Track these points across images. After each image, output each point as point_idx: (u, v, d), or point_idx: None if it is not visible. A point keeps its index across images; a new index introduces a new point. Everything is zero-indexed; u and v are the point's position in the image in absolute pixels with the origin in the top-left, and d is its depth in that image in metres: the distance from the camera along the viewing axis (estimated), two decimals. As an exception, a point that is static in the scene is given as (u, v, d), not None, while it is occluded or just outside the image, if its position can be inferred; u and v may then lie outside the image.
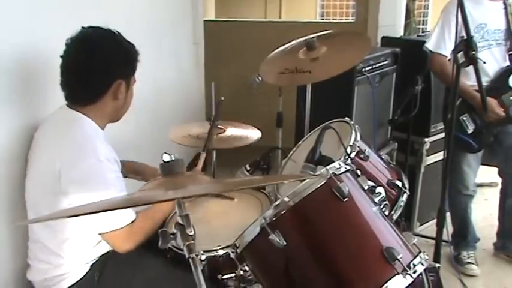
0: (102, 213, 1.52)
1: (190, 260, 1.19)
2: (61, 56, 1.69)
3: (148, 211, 1.74)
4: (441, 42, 2.63)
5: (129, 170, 2.03)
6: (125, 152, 2.28)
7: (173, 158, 1.30)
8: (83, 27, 1.70)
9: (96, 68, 1.68)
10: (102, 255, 1.72)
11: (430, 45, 2.68)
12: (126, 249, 1.66)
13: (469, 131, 2.64)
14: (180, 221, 1.24)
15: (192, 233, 1.22)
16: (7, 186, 1.72)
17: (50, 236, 1.67)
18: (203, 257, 1.61)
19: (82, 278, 1.69)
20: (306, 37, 2.18)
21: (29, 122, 1.77)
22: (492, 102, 2.52)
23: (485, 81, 2.51)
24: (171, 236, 1.25)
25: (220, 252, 1.65)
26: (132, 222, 1.65)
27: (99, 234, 1.65)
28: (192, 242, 1.21)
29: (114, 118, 1.81)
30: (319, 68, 2.14)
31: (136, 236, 1.66)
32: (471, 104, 2.55)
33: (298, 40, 2.22)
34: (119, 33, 1.75)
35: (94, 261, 1.71)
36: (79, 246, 1.67)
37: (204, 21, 4.04)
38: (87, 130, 1.67)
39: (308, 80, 2.28)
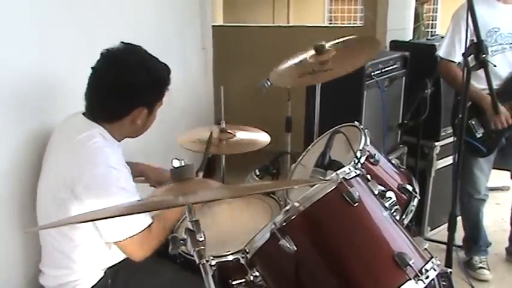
0: (116, 221, 1.54)
1: (201, 266, 1.19)
2: (92, 68, 1.68)
3: (159, 218, 1.73)
4: (451, 49, 2.61)
5: (135, 171, 2.00)
6: (134, 157, 2.29)
7: (183, 164, 1.30)
8: (122, 43, 1.69)
9: (118, 94, 1.66)
10: (117, 263, 1.71)
11: (440, 52, 2.67)
12: (143, 256, 1.63)
13: (478, 135, 2.62)
14: (190, 227, 1.24)
15: (202, 239, 1.22)
16: (19, 193, 1.73)
17: (62, 243, 1.67)
18: (213, 263, 1.60)
19: (96, 284, 1.69)
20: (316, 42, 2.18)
21: (39, 129, 1.78)
22: (502, 108, 2.49)
23: (497, 85, 2.50)
24: (181, 241, 1.24)
25: (230, 257, 1.65)
26: (149, 227, 1.62)
27: (115, 243, 1.63)
28: (202, 247, 1.21)
29: (131, 136, 1.81)
30: (328, 69, 2.13)
31: (152, 241, 1.63)
32: (480, 106, 2.52)
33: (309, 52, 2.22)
34: (152, 56, 1.73)
35: (108, 267, 1.71)
36: (92, 252, 1.67)
37: (212, 26, 4.05)
38: (98, 139, 1.65)
39: (318, 80, 2.27)
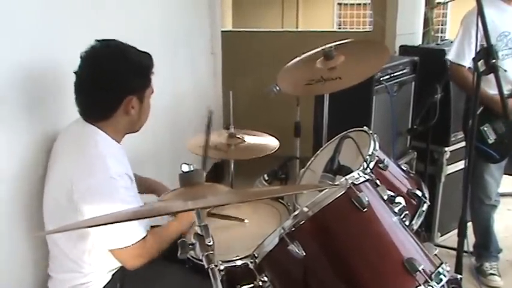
0: (112, 229, 1.55)
1: (210, 271, 1.19)
2: (74, 72, 1.69)
3: (160, 229, 1.74)
4: (460, 53, 2.61)
5: (141, 186, 1.99)
6: (144, 162, 2.30)
7: (192, 169, 1.30)
8: (96, 40, 1.70)
9: (103, 87, 1.67)
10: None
11: (450, 56, 2.66)
12: (134, 267, 1.65)
13: (490, 141, 2.60)
14: (199, 231, 1.24)
15: (211, 243, 1.22)
16: (25, 198, 1.74)
17: (71, 247, 1.68)
18: (221, 267, 1.60)
19: (104, 287, 1.70)
20: (324, 46, 2.18)
21: (46, 133, 1.79)
22: None
23: (508, 89, 2.48)
24: (190, 246, 1.25)
25: (239, 262, 1.65)
26: (142, 239, 1.64)
27: (109, 250, 1.64)
28: (211, 252, 1.21)
29: (131, 130, 1.80)
30: (337, 77, 2.13)
31: (145, 254, 1.65)
32: (493, 109, 2.49)
33: (316, 50, 2.21)
34: (129, 46, 1.73)
35: (115, 270, 1.72)
36: (101, 256, 1.68)
37: (222, 31, 4.07)
38: (100, 147, 1.66)
39: (326, 89, 2.27)
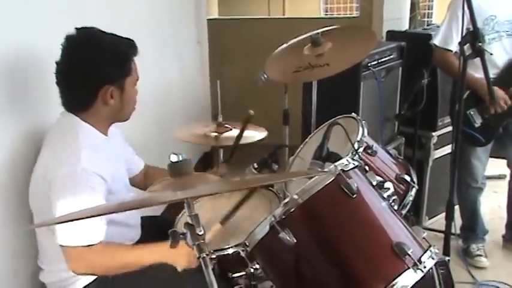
0: (64, 225, 1.50)
1: (201, 260, 1.19)
2: (55, 62, 1.66)
3: (116, 247, 1.64)
4: (448, 38, 2.61)
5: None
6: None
7: (181, 159, 1.30)
8: (75, 28, 1.64)
9: (78, 77, 1.62)
10: None
11: (436, 40, 2.66)
12: (72, 269, 1.58)
13: (476, 125, 2.62)
14: (190, 221, 1.24)
15: (201, 233, 1.22)
16: (14, 191, 1.73)
17: (54, 241, 1.66)
18: (213, 256, 1.61)
19: (96, 279, 1.69)
20: (311, 33, 2.17)
21: (33, 126, 1.78)
22: (499, 91, 2.50)
23: (494, 73, 2.49)
24: (181, 236, 1.25)
25: (230, 251, 1.65)
26: (88, 246, 1.55)
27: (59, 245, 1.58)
28: (202, 241, 1.22)
29: (116, 119, 1.76)
30: (325, 64, 2.13)
31: (86, 262, 1.57)
32: (479, 93, 2.52)
33: (303, 36, 2.21)
34: (107, 33, 1.66)
35: None
36: None
37: (208, 19, 4.04)
38: (80, 139, 1.62)
39: (314, 76, 2.27)
